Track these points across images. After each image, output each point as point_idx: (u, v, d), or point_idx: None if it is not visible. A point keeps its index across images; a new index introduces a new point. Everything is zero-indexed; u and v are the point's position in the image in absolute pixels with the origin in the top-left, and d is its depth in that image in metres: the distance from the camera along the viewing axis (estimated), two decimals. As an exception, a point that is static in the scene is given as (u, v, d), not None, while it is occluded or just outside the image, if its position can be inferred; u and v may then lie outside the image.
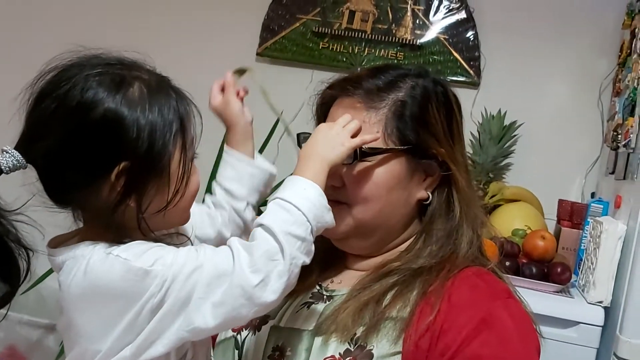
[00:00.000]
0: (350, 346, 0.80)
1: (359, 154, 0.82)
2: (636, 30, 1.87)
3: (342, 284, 0.90)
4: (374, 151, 0.83)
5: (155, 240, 0.73)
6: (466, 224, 0.86)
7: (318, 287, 0.90)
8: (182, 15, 2.48)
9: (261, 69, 2.44)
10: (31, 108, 0.70)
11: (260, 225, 0.72)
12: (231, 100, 0.89)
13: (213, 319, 0.68)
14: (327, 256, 0.78)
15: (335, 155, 0.79)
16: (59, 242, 0.74)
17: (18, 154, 0.69)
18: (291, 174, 0.79)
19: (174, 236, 0.79)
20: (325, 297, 0.88)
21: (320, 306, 0.87)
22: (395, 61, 2.33)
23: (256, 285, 0.68)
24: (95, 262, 0.68)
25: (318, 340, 0.83)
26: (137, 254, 0.68)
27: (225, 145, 0.91)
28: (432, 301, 0.79)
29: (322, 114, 0.92)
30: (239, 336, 0.91)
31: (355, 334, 0.80)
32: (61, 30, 2.14)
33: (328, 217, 0.76)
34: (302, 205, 0.72)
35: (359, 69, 2.26)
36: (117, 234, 0.71)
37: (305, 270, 0.74)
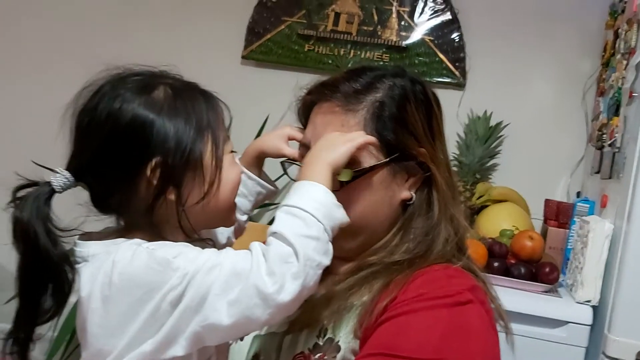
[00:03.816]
0: (319, 340, 0.80)
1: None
2: (619, 30, 1.89)
3: (322, 288, 0.89)
4: (362, 172, 0.83)
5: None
6: (444, 223, 0.86)
7: None
8: (167, 19, 2.47)
9: (246, 72, 2.43)
10: (71, 127, 0.76)
11: (272, 233, 0.72)
12: (290, 154, 0.93)
13: (227, 317, 0.69)
14: None
15: (337, 155, 0.79)
16: (91, 238, 0.77)
17: (67, 172, 0.75)
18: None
19: (204, 241, 0.82)
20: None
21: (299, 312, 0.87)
22: (381, 63, 2.34)
23: (270, 287, 0.68)
24: (123, 253, 0.71)
25: (288, 339, 0.83)
26: (163, 246, 0.72)
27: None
28: (390, 289, 0.79)
29: (305, 118, 0.91)
30: None
31: (323, 324, 0.81)
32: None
33: (338, 214, 0.76)
34: (308, 206, 0.72)
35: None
36: (156, 234, 0.75)
37: None
